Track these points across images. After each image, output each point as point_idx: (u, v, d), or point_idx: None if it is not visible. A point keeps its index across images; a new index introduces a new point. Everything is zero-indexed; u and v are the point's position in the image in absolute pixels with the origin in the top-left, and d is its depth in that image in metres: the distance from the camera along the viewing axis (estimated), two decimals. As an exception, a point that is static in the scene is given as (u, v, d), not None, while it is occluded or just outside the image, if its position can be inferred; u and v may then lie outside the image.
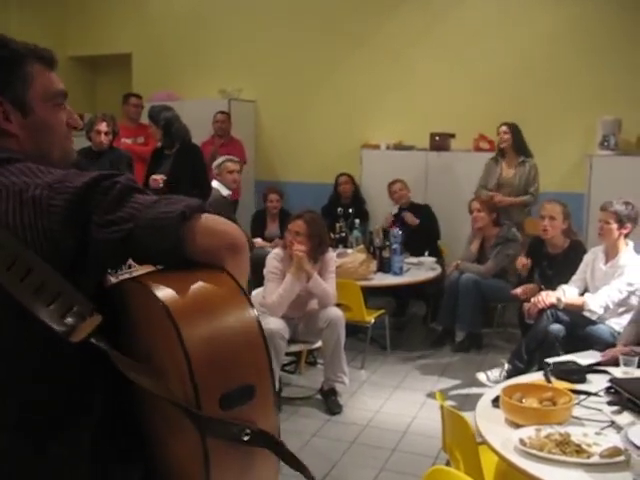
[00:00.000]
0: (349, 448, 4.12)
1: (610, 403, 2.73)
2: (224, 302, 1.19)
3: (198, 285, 1.19)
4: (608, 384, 2.89)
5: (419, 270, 6.05)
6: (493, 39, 7.57)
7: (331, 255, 4.79)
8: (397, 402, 4.80)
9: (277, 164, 8.81)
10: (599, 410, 2.75)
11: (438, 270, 6.09)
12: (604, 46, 7.23)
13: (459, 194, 6.89)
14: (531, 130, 6.68)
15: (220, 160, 6.45)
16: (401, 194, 6.93)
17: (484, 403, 2.90)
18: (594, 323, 4.42)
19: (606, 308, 4.36)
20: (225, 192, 6.34)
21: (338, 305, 5.48)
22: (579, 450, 2.38)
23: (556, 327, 4.38)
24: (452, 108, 7.67)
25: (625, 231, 4.44)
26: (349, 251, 5.93)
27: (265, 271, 4.64)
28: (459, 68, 7.71)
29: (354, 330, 5.71)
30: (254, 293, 4.85)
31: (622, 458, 2.27)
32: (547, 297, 4.44)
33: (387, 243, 5.91)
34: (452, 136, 7.55)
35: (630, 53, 7.20)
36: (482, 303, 5.83)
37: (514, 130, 6.48)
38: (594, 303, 4.35)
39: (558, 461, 2.34)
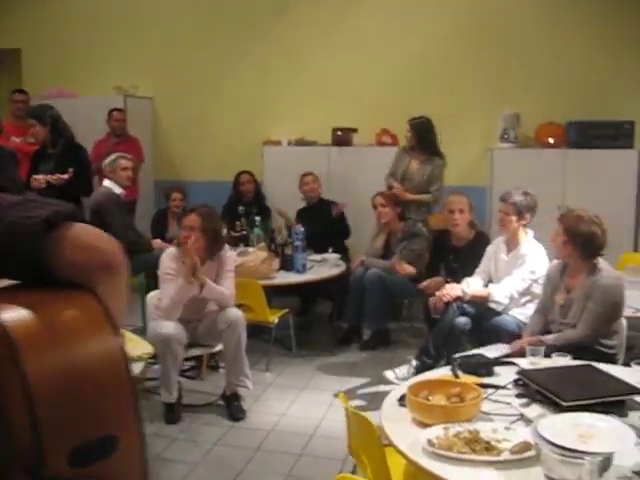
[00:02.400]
0: (254, 455, 3.92)
1: (519, 396, 2.63)
2: (84, 331, 0.95)
3: (55, 308, 0.96)
4: (516, 376, 2.79)
5: (323, 267, 5.90)
6: (393, 33, 7.52)
7: (229, 253, 4.57)
8: (303, 404, 4.62)
9: (177, 163, 8.50)
10: (508, 404, 2.65)
11: (343, 267, 5.95)
12: (502, 42, 7.31)
13: (362, 189, 6.79)
14: (435, 125, 6.63)
15: (112, 157, 6.14)
16: (312, 187, 6.76)
17: (390, 402, 2.76)
18: (499, 314, 4.37)
19: (511, 298, 4.32)
20: (118, 190, 6.04)
21: (240, 306, 5.30)
22: (489, 447, 2.26)
23: (462, 320, 4.31)
24: (354, 103, 7.59)
25: (524, 222, 4.42)
26: (250, 250, 5.71)
27: (159, 272, 4.38)
28: (360, 62, 7.63)
29: (258, 331, 5.52)
30: (149, 296, 4.59)
31: (532, 453, 2.16)
32: (452, 290, 4.36)
33: (289, 240, 5.72)
34: (354, 131, 7.45)
35: (526, 49, 7.29)
36: (388, 299, 5.73)
37: (417, 129, 6.36)
38: (499, 293, 4.31)
39: (468, 460, 2.22)
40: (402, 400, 2.67)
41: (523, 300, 4.40)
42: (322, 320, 6.65)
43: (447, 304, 4.35)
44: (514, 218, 4.39)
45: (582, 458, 1.99)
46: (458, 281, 4.55)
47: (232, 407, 4.44)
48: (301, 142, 7.65)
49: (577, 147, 6.97)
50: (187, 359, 5.10)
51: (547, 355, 3.16)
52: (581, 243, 3.70)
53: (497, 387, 2.77)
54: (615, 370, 3.04)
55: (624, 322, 3.99)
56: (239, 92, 8.06)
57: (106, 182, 6.08)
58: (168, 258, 4.38)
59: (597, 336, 3.68)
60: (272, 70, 7.91)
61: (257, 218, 6.10)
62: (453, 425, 2.42)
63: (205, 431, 4.23)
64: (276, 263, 5.57)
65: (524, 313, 4.29)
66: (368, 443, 2.60)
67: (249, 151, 7.83)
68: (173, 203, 6.89)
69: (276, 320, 5.31)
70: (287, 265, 5.70)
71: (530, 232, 4.45)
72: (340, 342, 5.91)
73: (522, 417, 2.52)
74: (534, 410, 2.51)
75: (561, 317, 3.82)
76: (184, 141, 8.39)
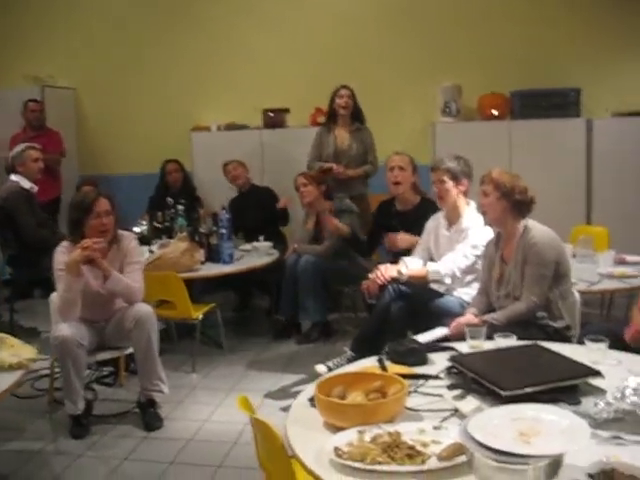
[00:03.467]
0: (166, 470, 3.42)
1: (452, 387, 2.16)
2: None
3: None
4: (449, 363, 2.33)
5: (253, 257, 5.40)
6: (323, 9, 7.11)
7: (133, 242, 4.05)
8: (230, 408, 4.13)
9: (102, 156, 7.93)
10: (439, 396, 2.19)
11: (275, 255, 5.46)
12: (440, 12, 6.92)
13: (299, 171, 6.28)
14: (371, 101, 6.22)
15: (19, 148, 5.62)
16: (236, 174, 6.31)
17: (300, 403, 2.29)
18: (442, 295, 3.94)
19: (453, 276, 3.90)
20: (27, 185, 5.51)
21: (162, 302, 4.81)
22: (411, 454, 1.80)
23: (399, 304, 3.86)
24: (285, 83, 7.16)
25: (462, 188, 4.01)
26: (172, 241, 5.19)
27: (54, 269, 3.84)
28: (290, 41, 7.22)
29: (189, 330, 5.00)
30: (51, 297, 4.04)
31: (464, 458, 1.70)
32: (387, 271, 3.91)
33: (214, 229, 5.22)
34: (286, 111, 6.98)
35: (464, 18, 6.91)
36: (326, 287, 5.27)
37: (353, 93, 5.93)
38: (438, 272, 3.88)
39: (385, 473, 1.75)
40: (314, 400, 2.19)
41: (468, 279, 3.97)
42: (260, 315, 6.17)
43: (382, 287, 3.89)
44: (451, 184, 3.99)
45: (524, 463, 1.54)
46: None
47: (147, 415, 3.93)
48: (231, 126, 7.15)
49: (522, 118, 6.63)
50: (103, 364, 4.62)
51: (491, 337, 2.73)
52: (516, 194, 3.37)
53: (427, 377, 2.32)
54: (568, 349, 2.62)
55: (577, 296, 3.59)
56: (164, 78, 7.55)
57: (13, 176, 5.56)
58: (60, 253, 3.85)
59: (542, 303, 3.28)
60: (198, 54, 7.42)
61: (180, 207, 5.57)
62: (371, 428, 1.96)
63: (115, 445, 3.72)
64: (200, 254, 5.06)
65: (469, 293, 3.87)
66: (272, 454, 2.13)
67: (177, 139, 7.32)
68: None
69: (201, 316, 4.80)
70: (213, 256, 5.19)
71: (472, 203, 4.02)
72: (277, 337, 5.44)
73: (456, 412, 2.06)
74: (470, 403, 2.05)
75: (501, 291, 3.43)
76: (109, 133, 7.85)
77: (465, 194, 4.04)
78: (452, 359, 2.29)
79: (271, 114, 6.93)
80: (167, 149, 7.10)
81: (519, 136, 6.56)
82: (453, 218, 4.04)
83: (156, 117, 7.57)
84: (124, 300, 3.91)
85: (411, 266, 4.01)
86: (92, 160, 7.87)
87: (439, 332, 3.19)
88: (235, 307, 6.29)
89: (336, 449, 1.84)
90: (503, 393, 1.93)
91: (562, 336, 3.30)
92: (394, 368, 2.51)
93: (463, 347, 2.72)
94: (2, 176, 5.84)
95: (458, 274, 3.89)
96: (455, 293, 3.95)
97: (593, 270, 4.40)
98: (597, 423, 1.96)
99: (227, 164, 6.38)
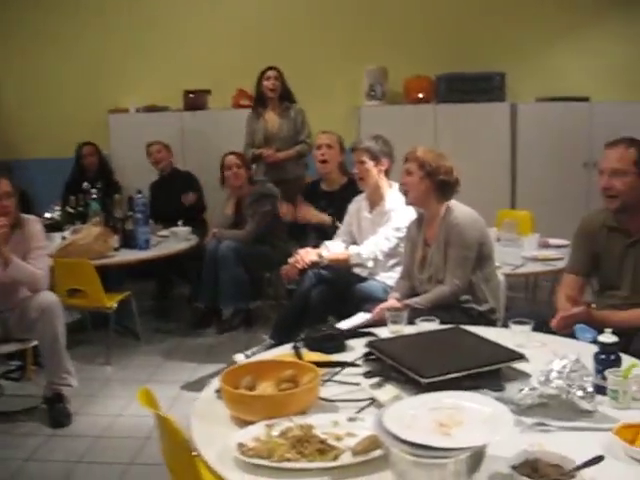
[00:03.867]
0: (73, 470, 3.20)
1: (369, 374, 2.00)
2: None
3: None
4: (366, 349, 2.18)
5: (171, 243, 5.17)
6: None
7: (37, 226, 3.78)
8: (144, 401, 3.91)
9: (15, 140, 7.49)
10: (358, 385, 2.04)
11: (194, 241, 5.24)
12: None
13: (219, 156, 6.05)
14: (296, 84, 5.98)
15: None
16: (159, 157, 6.05)
17: (207, 395, 2.11)
18: (364, 280, 3.81)
19: (375, 260, 3.77)
20: None
21: (74, 291, 4.55)
22: (323, 449, 1.64)
23: (320, 289, 3.72)
24: (207, 64, 6.89)
25: (383, 167, 3.89)
26: (85, 227, 4.91)
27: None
28: (211, 20, 6.93)
29: (102, 320, 4.74)
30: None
31: (380, 452, 1.56)
32: (307, 255, 3.76)
33: (130, 213, 4.96)
34: (208, 92, 6.73)
35: (392, 1, 6.78)
36: (247, 273, 5.08)
37: (281, 74, 5.72)
38: (360, 255, 3.74)
39: (293, 470, 1.60)
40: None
41: (391, 262, 3.85)
42: (181, 303, 5.94)
43: (302, 272, 3.74)
44: (371, 164, 3.86)
45: (444, 456, 1.41)
46: None
47: (55, 411, 3.68)
48: (151, 108, 6.85)
49: (447, 101, 6.55)
50: (10, 358, 4.33)
51: (413, 322, 2.60)
52: (441, 174, 3.26)
53: (343, 365, 2.17)
54: (492, 333, 2.52)
55: (501, 279, 3.52)
56: (81, 59, 7.13)
57: None
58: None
59: (466, 285, 3.18)
60: (116, 34, 7.04)
61: (93, 190, 5.28)
62: (280, 421, 1.80)
63: (18, 444, 3.46)
64: (114, 240, 4.81)
65: (393, 277, 3.74)
66: (175, 452, 1.94)
67: (94, 121, 6.96)
68: None
69: (115, 305, 4.56)
70: (129, 242, 4.94)
71: (395, 185, 3.90)
72: (196, 326, 5.23)
73: (373, 402, 1.92)
74: (388, 392, 1.91)
75: (424, 275, 3.32)
76: (23, 116, 7.39)
77: (386, 174, 3.92)
78: (369, 344, 2.14)
79: (192, 95, 6.67)
80: (84, 132, 6.74)
81: (444, 120, 6.49)
82: (375, 200, 3.91)
83: (72, 99, 7.17)
84: (28, 288, 3.65)
85: (333, 250, 3.87)
86: (4, 145, 7.45)
87: (361, 318, 3.05)
88: (155, 296, 6.03)
89: (240, 445, 1.68)
90: (423, 380, 1.80)
91: (487, 319, 3.22)
92: (310, 356, 2.36)
93: (384, 333, 2.59)
94: None
95: (380, 257, 3.76)
96: (378, 277, 3.83)
97: (517, 253, 4.36)
98: (521, 409, 1.85)
99: (150, 145, 6.10)
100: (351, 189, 4.36)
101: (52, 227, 5.33)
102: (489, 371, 1.87)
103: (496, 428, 1.46)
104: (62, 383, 3.67)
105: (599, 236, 3.01)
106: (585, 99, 6.57)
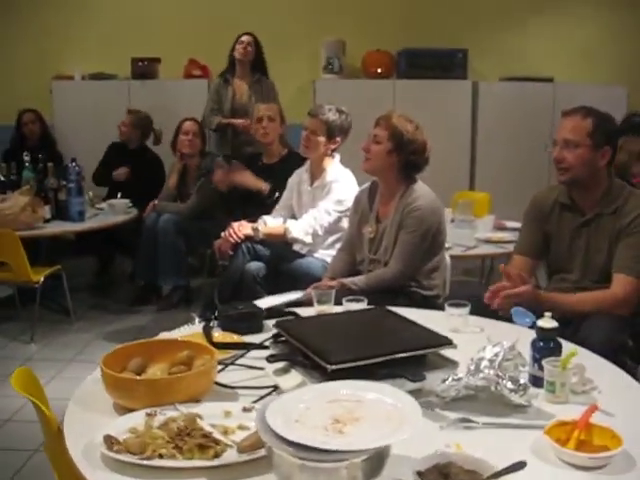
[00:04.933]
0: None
1: (272, 358, 1.75)
2: None
3: None
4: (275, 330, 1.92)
5: (108, 215, 4.87)
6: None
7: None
8: (63, 382, 3.66)
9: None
10: (262, 369, 1.79)
11: (133, 214, 4.94)
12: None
13: (171, 126, 5.69)
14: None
15: None
16: (121, 129, 5.63)
17: (93, 378, 1.84)
18: (302, 256, 3.56)
19: (314, 234, 3.52)
20: None
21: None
22: (204, 445, 1.39)
23: (255, 265, 3.46)
24: (157, 31, 6.57)
25: (333, 146, 3.62)
26: (13, 195, 4.58)
27: None
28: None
29: (33, 296, 4.42)
30: None
31: (262, 453, 1.31)
32: (240, 229, 3.50)
33: (63, 183, 4.65)
34: (157, 61, 6.41)
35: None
36: (188, 249, 4.82)
37: (257, 41, 5.39)
38: (297, 229, 3.50)
39: (166, 469, 1.35)
40: (107, 374, 1.75)
41: (331, 239, 3.61)
42: (123, 280, 5.65)
43: (235, 246, 3.48)
44: (322, 140, 3.59)
45: (336, 460, 1.17)
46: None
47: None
48: (97, 76, 6.51)
49: (408, 77, 6.32)
50: None
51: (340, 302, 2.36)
52: (410, 153, 2.97)
53: (250, 346, 1.92)
54: (426, 316, 2.29)
55: (448, 260, 3.29)
56: (25, 23, 6.76)
57: None
58: None
59: (411, 273, 2.95)
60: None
61: (26, 158, 4.94)
62: (164, 409, 1.55)
63: None
64: (43, 210, 4.49)
65: (333, 255, 3.48)
66: (50, 442, 1.69)
67: (37, 88, 6.60)
68: None
69: (41, 279, 4.26)
70: (62, 213, 4.63)
71: (337, 156, 3.66)
72: (135, 303, 4.96)
73: (276, 389, 1.67)
74: (293, 379, 1.66)
75: (371, 253, 3.06)
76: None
77: (334, 151, 3.65)
78: (277, 324, 1.88)
79: (141, 64, 6.34)
80: (27, 99, 6.39)
81: (404, 96, 6.24)
82: (316, 172, 3.66)
83: (14, 64, 6.81)
84: None
85: (270, 224, 3.61)
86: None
87: (291, 296, 2.80)
88: (96, 272, 5.74)
89: (107, 439, 1.41)
90: (328, 367, 1.54)
91: (431, 304, 2.97)
92: (221, 336, 2.11)
93: (307, 313, 2.33)
94: None
95: (320, 232, 3.51)
96: (317, 255, 3.58)
97: (471, 235, 4.15)
98: (445, 402, 1.63)
99: (130, 112, 5.68)
100: (291, 161, 4.11)
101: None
102: (408, 358, 1.62)
103: (401, 426, 1.22)
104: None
105: (551, 215, 2.78)
106: (549, 79, 6.38)
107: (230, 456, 1.37)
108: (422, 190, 3.00)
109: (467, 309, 2.23)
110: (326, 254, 3.55)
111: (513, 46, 6.57)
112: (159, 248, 4.71)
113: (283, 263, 3.49)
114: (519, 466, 1.26)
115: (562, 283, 2.75)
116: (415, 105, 6.14)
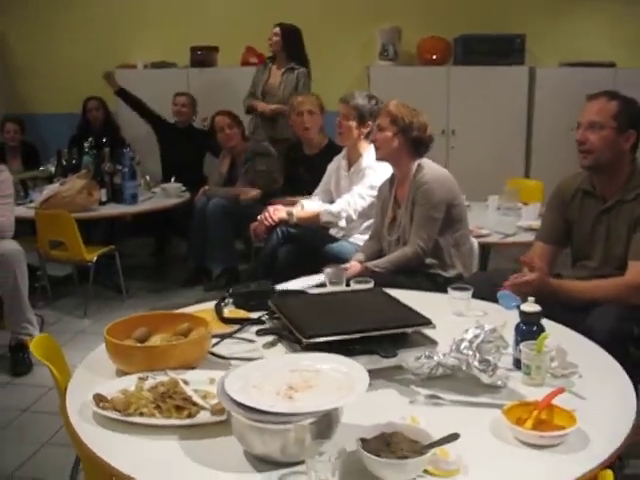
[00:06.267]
0: (15, 419, 3.16)
1: (261, 332, 1.86)
2: None
3: None
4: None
5: (161, 199, 5.08)
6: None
7: (4, 175, 3.71)
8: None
9: (28, 94, 7.48)
10: (253, 342, 1.91)
11: (185, 197, 5.14)
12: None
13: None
14: (308, 42, 5.81)
15: None
16: (182, 110, 5.90)
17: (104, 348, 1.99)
18: (336, 240, 3.66)
19: (348, 218, 3.61)
20: None
21: (58, 244, 4.52)
22: (181, 406, 1.52)
23: (288, 247, 3.58)
24: (216, 20, 6.73)
25: (365, 130, 3.69)
26: (71, 179, 4.83)
27: None
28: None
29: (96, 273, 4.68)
30: None
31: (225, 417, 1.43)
32: (275, 213, 3.62)
33: (118, 167, 4.87)
34: (215, 49, 6.59)
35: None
36: (236, 233, 4.97)
37: (287, 32, 5.53)
38: (331, 212, 3.59)
39: (142, 425, 1.49)
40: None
41: (366, 224, 3.68)
42: (178, 261, 5.87)
43: (271, 229, 3.60)
44: (354, 124, 3.67)
45: (282, 422, 1.27)
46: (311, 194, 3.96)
47: (16, 359, 3.66)
48: (159, 65, 6.74)
49: (463, 64, 6.28)
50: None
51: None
52: (414, 131, 3.07)
53: (247, 321, 2.03)
54: (434, 299, 2.37)
55: (475, 244, 3.34)
56: (91, 14, 7.03)
57: None
58: None
59: (431, 247, 3.01)
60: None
61: (86, 145, 5.20)
62: (156, 374, 1.68)
63: (-23, 389, 3.45)
64: (99, 193, 4.72)
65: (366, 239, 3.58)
66: (62, 404, 1.85)
67: (101, 77, 6.86)
68: (7, 135, 6.00)
69: (94, 258, 4.49)
70: (117, 196, 4.86)
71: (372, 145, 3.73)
72: (185, 283, 5.15)
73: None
74: (279, 351, 1.77)
75: (391, 236, 3.15)
76: (35, 71, 7.37)
77: (367, 136, 3.73)
78: (272, 301, 1.99)
79: (199, 52, 6.53)
80: (92, 87, 6.67)
81: (458, 83, 6.24)
82: (353, 158, 3.75)
83: (82, 54, 7.11)
84: (-7, 236, 3.59)
85: (308, 208, 3.72)
86: (18, 99, 7.44)
87: (315, 279, 2.89)
88: (153, 253, 5.99)
89: (97, 397, 1.56)
90: (304, 340, 1.64)
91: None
92: (232, 312, 2.23)
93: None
94: None
95: (354, 216, 3.60)
96: (351, 239, 3.67)
97: (513, 223, 4.15)
98: (421, 379, 1.70)
99: (178, 95, 5.98)
100: (331, 152, 4.17)
101: (49, 180, 5.32)
102: (387, 336, 1.71)
103: (347, 395, 1.31)
104: (23, 332, 3.63)
105: (573, 202, 2.78)
106: (611, 65, 6.23)
107: (202, 417, 1.49)
108: (429, 166, 3.10)
109: (469, 293, 2.29)
110: (360, 238, 3.64)
111: (573, 30, 6.44)
112: (208, 232, 4.87)
113: (316, 246, 3.59)
114: (452, 437, 1.32)
115: (582, 270, 2.74)
116: (470, 92, 6.20)
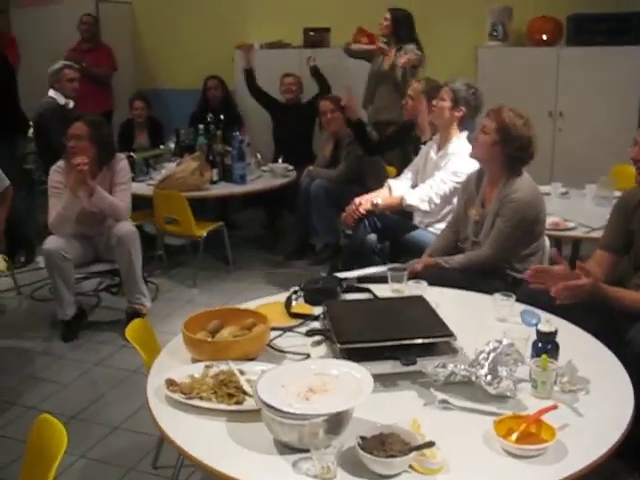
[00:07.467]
0: (125, 379, 3.65)
1: (310, 332, 2.19)
2: None
3: None
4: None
5: (269, 178, 5.47)
6: None
7: (121, 163, 4.19)
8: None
9: (156, 70, 8.08)
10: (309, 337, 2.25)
11: (291, 177, 5.50)
12: None
13: (339, 94, 6.07)
14: (417, 21, 5.97)
15: (57, 66, 5.66)
16: (291, 88, 6.32)
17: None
18: (416, 229, 3.90)
19: (430, 202, 3.80)
20: (62, 101, 5.61)
21: (172, 220, 5.00)
22: (233, 393, 1.87)
23: (373, 236, 3.88)
24: (328, 1, 6.96)
25: (458, 114, 3.83)
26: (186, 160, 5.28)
27: (48, 186, 4.07)
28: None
29: (207, 245, 5.12)
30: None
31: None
32: (362, 205, 3.91)
33: (228, 149, 5.28)
34: (327, 30, 6.85)
35: None
36: (337, 211, 5.27)
37: (397, 17, 5.76)
38: (413, 197, 3.81)
39: (199, 408, 1.85)
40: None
41: (445, 211, 3.86)
42: (288, 234, 6.26)
43: (360, 219, 3.90)
44: (448, 105, 3.82)
45: (295, 419, 1.59)
46: None
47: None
48: (273, 45, 7.10)
49: (576, 44, 6.17)
50: (109, 274, 4.81)
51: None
52: (515, 148, 3.11)
53: (307, 317, 2.37)
54: (482, 304, 2.57)
55: (547, 244, 3.47)
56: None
57: (51, 92, 5.63)
58: (56, 172, 4.07)
59: (501, 259, 3.17)
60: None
61: (200, 126, 5.63)
62: (219, 363, 2.04)
63: (95, 350, 4.00)
64: (210, 173, 5.16)
65: (445, 228, 3.78)
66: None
67: (221, 57, 7.36)
68: (135, 112, 6.44)
69: (204, 234, 4.95)
70: (227, 176, 5.28)
71: (465, 132, 3.89)
72: (290, 257, 5.55)
73: (307, 358, 2.11)
74: (320, 351, 2.09)
75: (474, 235, 3.30)
76: (163, 48, 7.95)
77: (460, 122, 3.89)
78: (325, 303, 2.31)
79: (312, 33, 6.82)
80: (211, 66, 7.14)
81: (569, 64, 6.14)
82: (443, 142, 3.91)
83: (201, 35, 7.63)
84: (110, 217, 4.08)
85: (395, 188, 3.96)
86: (147, 74, 8.03)
87: (376, 270, 3.11)
88: (264, 225, 6.43)
89: (169, 380, 1.94)
90: (339, 346, 1.96)
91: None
92: (299, 307, 2.56)
93: (382, 290, 2.70)
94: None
95: (436, 200, 3.78)
96: (431, 229, 3.88)
97: (605, 214, 4.16)
98: (440, 385, 1.95)
99: (286, 76, 6.41)
100: None
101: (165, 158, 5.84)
102: (408, 345, 1.98)
103: (353, 400, 1.62)
104: (136, 302, 4.13)
105: (635, 213, 2.85)
106: None
107: (247, 405, 1.83)
108: (523, 183, 3.14)
109: (512, 300, 2.48)
110: (439, 228, 3.82)
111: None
112: (312, 210, 5.23)
113: (399, 235, 3.85)
114: (428, 444, 1.58)
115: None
116: (580, 73, 6.10)
